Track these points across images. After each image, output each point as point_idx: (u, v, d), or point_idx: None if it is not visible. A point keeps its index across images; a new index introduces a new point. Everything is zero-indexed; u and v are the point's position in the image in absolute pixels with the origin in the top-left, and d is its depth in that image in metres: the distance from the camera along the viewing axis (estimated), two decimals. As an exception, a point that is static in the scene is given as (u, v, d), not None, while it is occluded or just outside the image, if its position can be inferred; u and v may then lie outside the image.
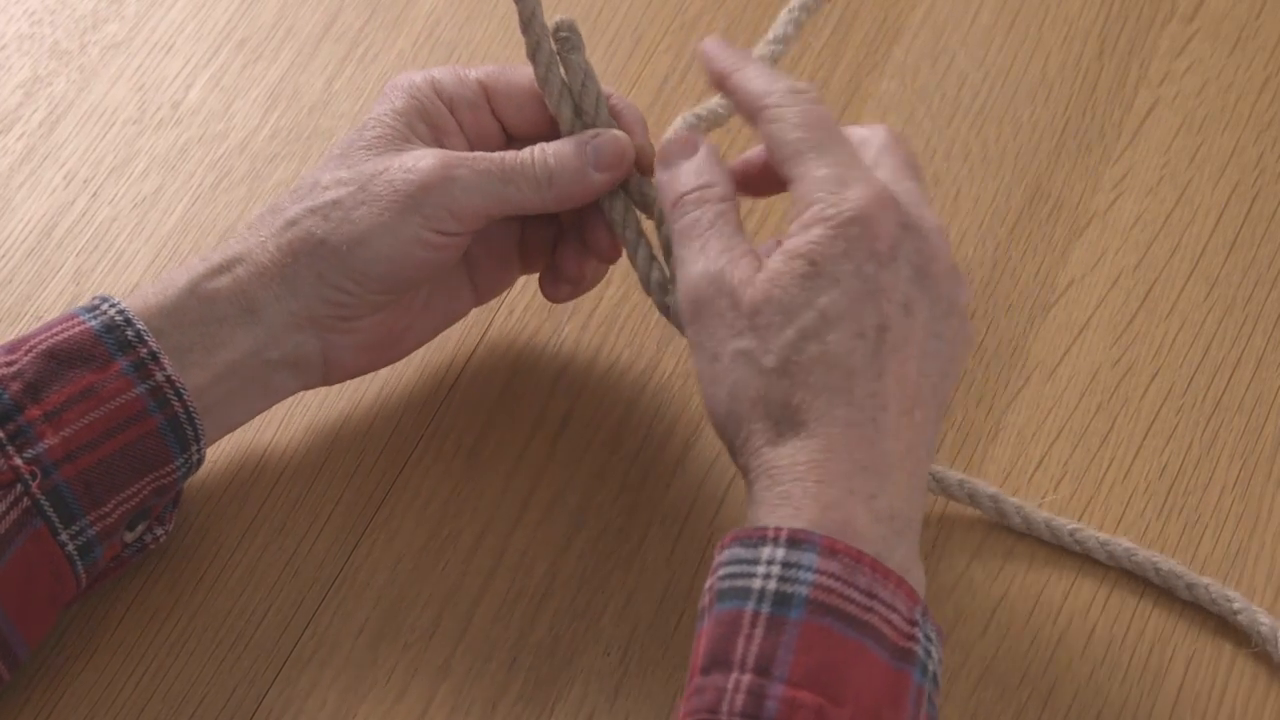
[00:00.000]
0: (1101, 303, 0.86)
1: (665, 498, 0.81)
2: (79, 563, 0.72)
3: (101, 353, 0.72)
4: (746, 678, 0.63)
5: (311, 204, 0.75)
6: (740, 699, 0.63)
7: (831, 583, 0.64)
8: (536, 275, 0.83)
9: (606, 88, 0.78)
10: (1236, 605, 0.77)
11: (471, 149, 0.78)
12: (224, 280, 0.74)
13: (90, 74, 0.93)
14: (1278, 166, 0.91)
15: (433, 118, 0.77)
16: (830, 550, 0.65)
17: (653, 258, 0.77)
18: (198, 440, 0.74)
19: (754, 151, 0.78)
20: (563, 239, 0.80)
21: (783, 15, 0.84)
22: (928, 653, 0.66)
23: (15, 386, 0.71)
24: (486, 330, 0.85)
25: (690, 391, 0.83)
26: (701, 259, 0.72)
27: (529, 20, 0.76)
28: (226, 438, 0.79)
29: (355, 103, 0.92)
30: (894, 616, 0.65)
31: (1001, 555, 0.80)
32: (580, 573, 0.79)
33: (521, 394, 0.83)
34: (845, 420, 0.68)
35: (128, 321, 0.72)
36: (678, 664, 0.76)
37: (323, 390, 0.82)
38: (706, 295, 0.71)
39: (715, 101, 0.81)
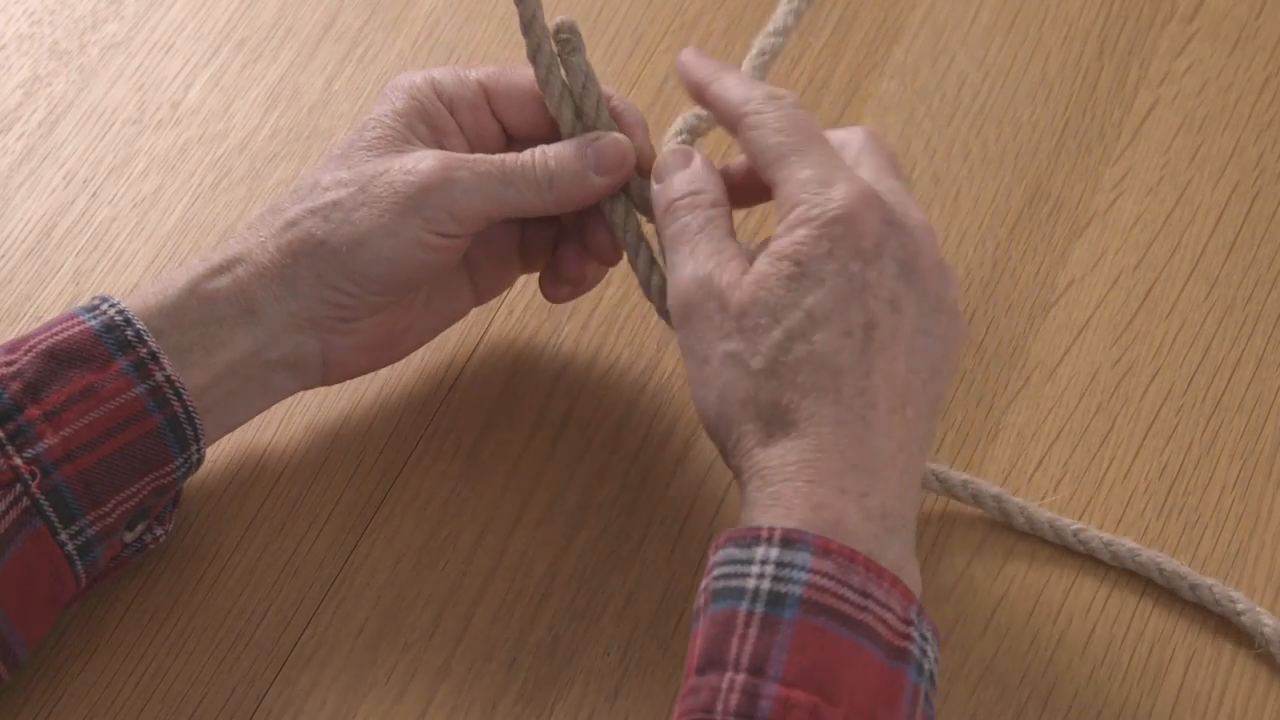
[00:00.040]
0: (1101, 303, 0.86)
1: (665, 498, 0.81)
2: (78, 562, 0.72)
3: (101, 352, 0.72)
4: (741, 677, 0.63)
5: (311, 205, 0.75)
6: (735, 698, 0.63)
7: (825, 582, 0.64)
8: (536, 275, 0.83)
9: (607, 89, 0.78)
10: (1240, 606, 0.77)
11: (472, 150, 0.78)
12: (224, 280, 0.74)
13: (90, 74, 0.93)
14: (1278, 166, 0.91)
15: (433, 119, 0.77)
16: (824, 550, 0.65)
17: (653, 262, 0.77)
18: (197, 440, 0.74)
19: (734, 162, 0.78)
20: (563, 240, 0.80)
21: (782, 6, 0.84)
22: (923, 652, 0.66)
23: (15, 386, 0.71)
24: (486, 330, 0.85)
25: (690, 392, 0.83)
26: (690, 263, 0.72)
27: (530, 22, 0.76)
28: (226, 437, 0.79)
29: (355, 103, 0.92)
30: (888, 616, 0.65)
31: (1002, 555, 0.80)
32: (580, 573, 0.79)
33: (521, 394, 0.83)
34: (834, 419, 0.68)
35: (127, 321, 0.72)
36: (677, 664, 0.76)
37: (323, 390, 0.82)
38: (695, 299, 0.71)
39: None
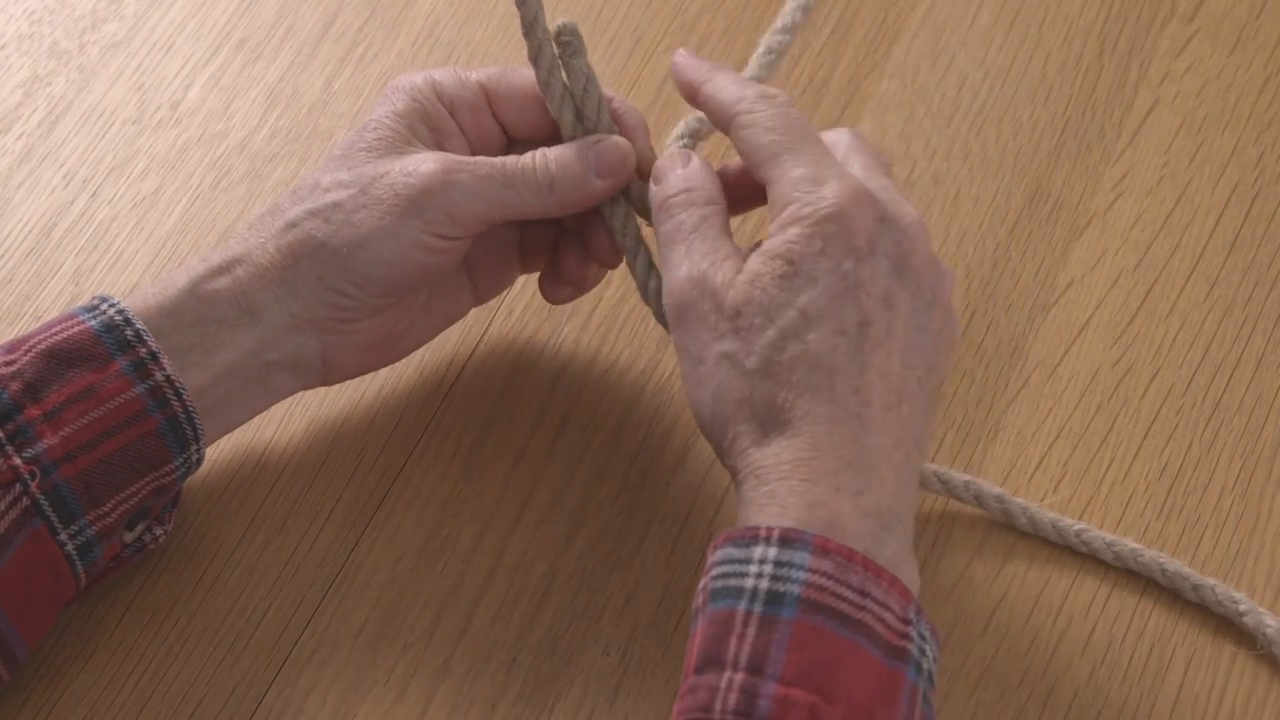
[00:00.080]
0: (1101, 303, 0.86)
1: (665, 498, 0.81)
2: (78, 562, 0.72)
3: (101, 352, 0.72)
4: (739, 676, 0.63)
5: (312, 206, 0.75)
6: (733, 697, 0.63)
7: (824, 581, 0.64)
8: (536, 275, 0.83)
9: (608, 91, 0.77)
10: (1242, 607, 0.77)
11: (472, 151, 0.78)
12: (223, 281, 0.74)
13: (89, 74, 0.93)
14: (1278, 166, 0.91)
15: (433, 120, 0.77)
16: (822, 549, 0.65)
17: (651, 266, 0.77)
18: (197, 440, 0.74)
19: (730, 165, 0.78)
20: (564, 241, 0.80)
21: (790, 3, 0.84)
22: (922, 651, 0.66)
23: (15, 386, 0.71)
24: (486, 330, 0.85)
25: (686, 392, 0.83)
26: (685, 263, 0.72)
27: (531, 25, 0.76)
28: (226, 436, 0.78)
29: (355, 103, 0.92)
30: (887, 615, 0.65)
31: (1002, 555, 0.80)
32: (580, 573, 0.79)
33: (521, 394, 0.83)
34: (829, 418, 0.68)
35: (127, 321, 0.72)
36: (677, 664, 0.76)
37: (323, 389, 0.82)
38: (690, 299, 0.71)
39: None
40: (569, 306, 0.85)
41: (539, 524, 0.80)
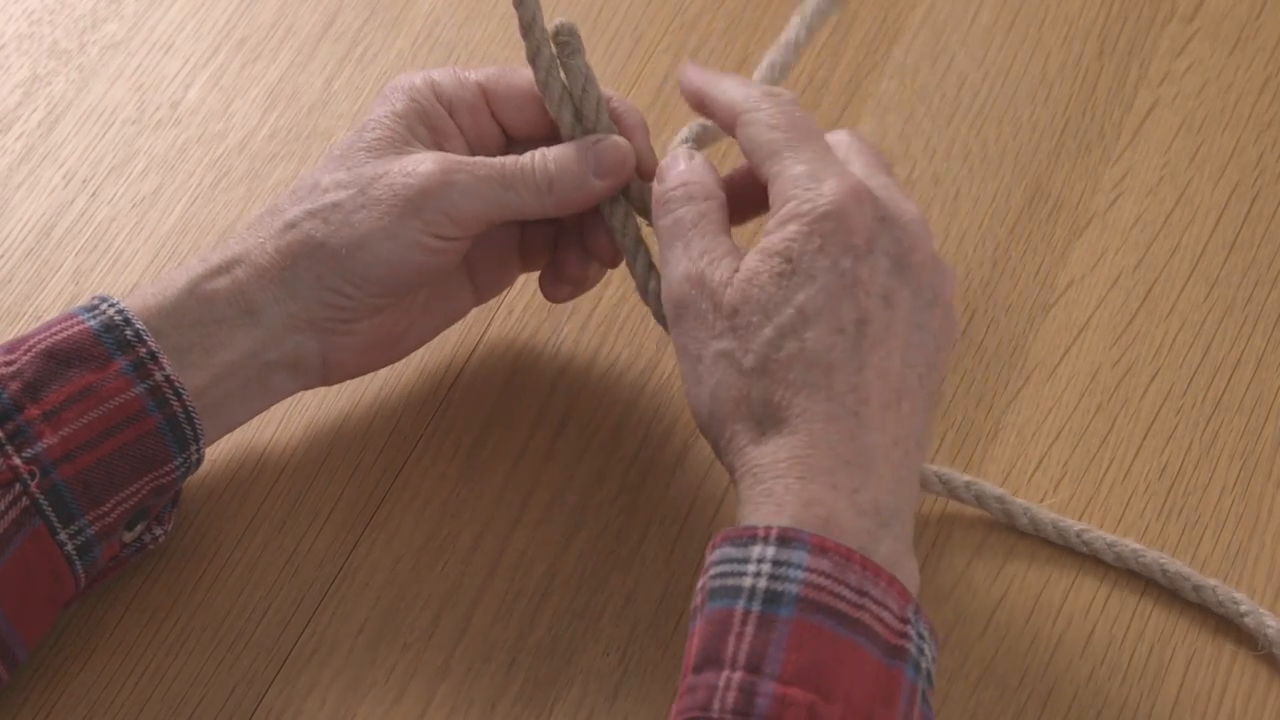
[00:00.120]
0: (1101, 303, 0.86)
1: (664, 498, 0.81)
2: (78, 562, 0.72)
3: (100, 352, 0.72)
4: (738, 675, 0.63)
5: (311, 206, 0.75)
6: (732, 696, 0.63)
7: (822, 580, 0.64)
8: (536, 274, 0.83)
9: (607, 91, 0.77)
10: (1244, 608, 0.77)
11: (471, 152, 0.78)
12: (223, 281, 0.74)
13: (89, 74, 0.93)
14: (1278, 166, 0.90)
15: (432, 120, 0.77)
16: (820, 548, 0.65)
17: (651, 265, 0.77)
18: (197, 440, 0.74)
19: (733, 170, 0.78)
20: (564, 240, 0.80)
21: (794, 20, 0.84)
22: (920, 650, 0.66)
23: (14, 386, 0.71)
24: (486, 330, 0.85)
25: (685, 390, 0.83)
26: (684, 260, 0.72)
27: (529, 25, 0.76)
28: (226, 436, 0.78)
29: (354, 103, 0.92)
30: (885, 614, 0.65)
31: (1002, 555, 0.80)
32: (579, 573, 0.79)
33: (520, 394, 0.83)
34: (826, 415, 0.68)
35: (127, 321, 0.72)
36: (677, 664, 0.76)
37: (322, 390, 0.82)
38: (688, 297, 0.71)
39: None
40: (568, 306, 0.85)
41: (538, 524, 0.80)
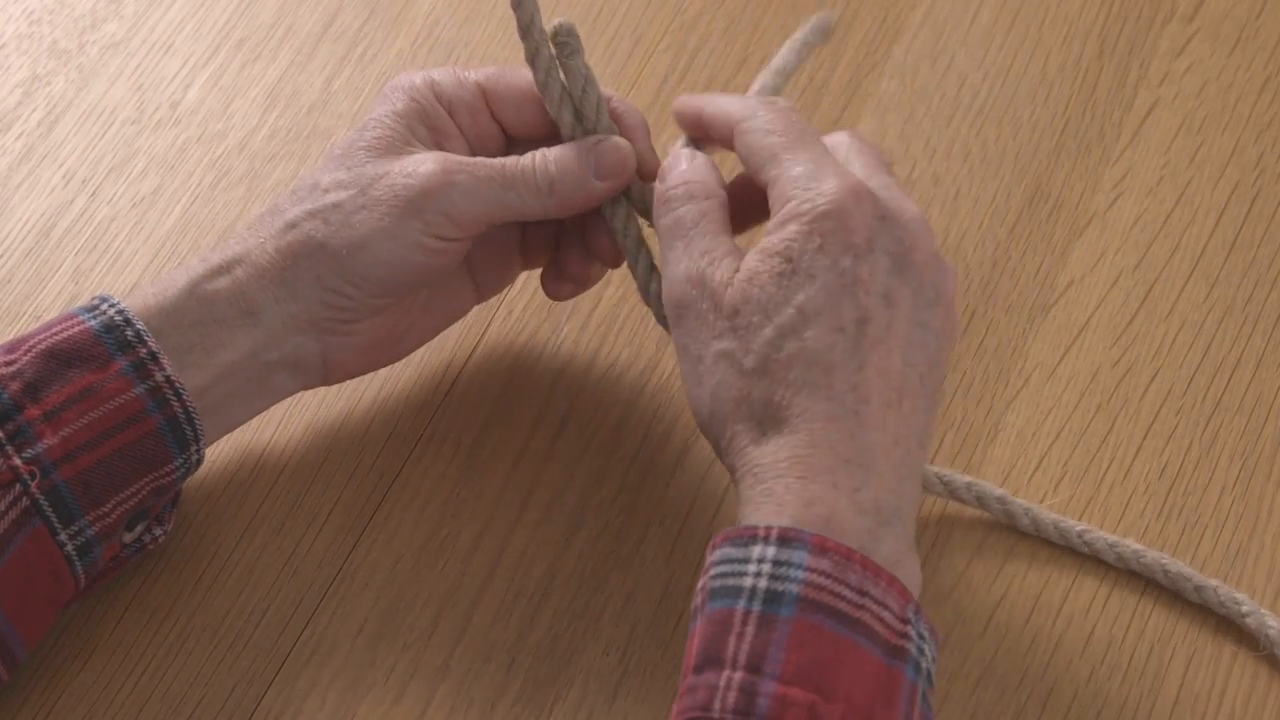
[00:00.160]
0: (1101, 303, 0.86)
1: (664, 498, 0.81)
2: (78, 563, 0.72)
3: (101, 353, 0.72)
4: (738, 675, 0.63)
5: (311, 207, 0.75)
6: (732, 696, 0.63)
7: (822, 580, 0.64)
8: (537, 274, 0.83)
9: (607, 90, 0.77)
10: (1245, 608, 0.77)
11: (472, 151, 0.78)
12: (223, 282, 0.74)
13: (89, 73, 0.93)
14: (1278, 167, 0.90)
15: (432, 120, 0.77)
16: (821, 548, 0.65)
17: (652, 267, 0.77)
18: (197, 441, 0.74)
19: (732, 179, 0.78)
20: (567, 239, 0.80)
21: (785, 46, 0.84)
22: (921, 651, 0.66)
23: (15, 386, 0.71)
24: (485, 331, 0.85)
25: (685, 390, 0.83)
26: (684, 260, 0.72)
27: (527, 26, 0.76)
28: (225, 437, 0.78)
29: (354, 102, 0.92)
30: (885, 614, 0.65)
31: (1001, 555, 0.80)
32: (579, 573, 0.79)
33: (520, 394, 0.83)
34: (826, 415, 0.68)
35: (127, 321, 0.72)
36: (677, 664, 0.76)
37: (322, 390, 0.82)
38: (689, 297, 0.71)
39: None
40: (568, 306, 0.85)
41: (538, 524, 0.80)
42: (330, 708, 0.75)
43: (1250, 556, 0.80)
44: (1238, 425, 0.83)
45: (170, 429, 0.72)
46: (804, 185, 0.70)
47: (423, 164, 0.75)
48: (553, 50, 0.76)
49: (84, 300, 0.75)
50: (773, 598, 0.64)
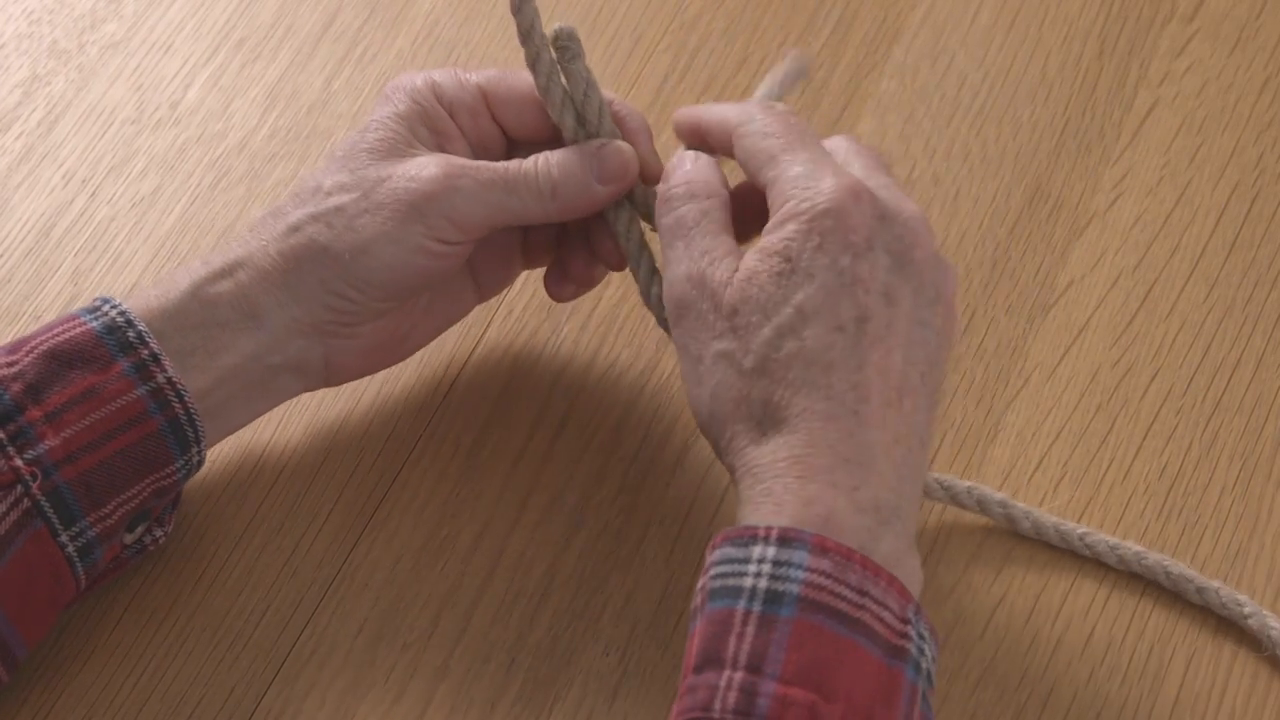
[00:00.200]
0: (1101, 303, 0.86)
1: (664, 498, 0.81)
2: (79, 564, 0.72)
3: (103, 354, 0.72)
4: (739, 675, 0.63)
5: (314, 210, 0.75)
6: (732, 696, 0.63)
7: (822, 580, 0.64)
8: (537, 275, 0.83)
9: (609, 93, 0.77)
10: (1247, 609, 0.77)
11: (473, 153, 0.78)
12: (226, 285, 0.74)
13: (89, 73, 0.93)
14: (1278, 167, 0.90)
15: (434, 122, 0.77)
16: (821, 548, 0.65)
17: (654, 271, 0.77)
18: (198, 442, 0.74)
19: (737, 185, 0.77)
20: (570, 240, 0.80)
21: (768, 77, 0.83)
22: (921, 651, 0.66)
23: (16, 387, 0.71)
24: (485, 331, 0.85)
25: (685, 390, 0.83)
26: (685, 260, 0.72)
27: (528, 32, 0.75)
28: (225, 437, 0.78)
29: (354, 102, 0.92)
30: (886, 614, 0.65)
31: (1001, 556, 0.80)
32: (579, 573, 0.79)
33: (520, 394, 0.83)
34: (825, 414, 0.68)
35: (129, 323, 0.72)
36: (677, 664, 0.76)
37: (321, 390, 0.82)
38: (689, 298, 0.71)
39: None
40: (568, 306, 0.85)
41: (538, 524, 0.80)
42: (330, 708, 0.75)
43: (1250, 556, 0.80)
44: (1238, 425, 0.83)
45: (172, 430, 0.72)
46: (803, 184, 0.70)
47: (425, 168, 0.75)
48: (554, 55, 0.76)
49: (85, 301, 0.75)
50: (773, 598, 0.64)
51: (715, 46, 0.94)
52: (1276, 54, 0.94)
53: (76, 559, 0.72)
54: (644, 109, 0.87)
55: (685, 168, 0.75)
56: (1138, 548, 0.79)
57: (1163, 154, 0.91)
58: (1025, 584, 0.79)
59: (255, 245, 0.75)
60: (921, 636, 0.66)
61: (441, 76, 0.78)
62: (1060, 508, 0.81)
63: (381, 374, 0.83)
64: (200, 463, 0.75)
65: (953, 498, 0.80)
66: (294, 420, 0.82)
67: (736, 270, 0.71)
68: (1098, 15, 0.95)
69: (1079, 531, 0.79)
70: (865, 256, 0.69)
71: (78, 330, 0.72)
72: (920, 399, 0.70)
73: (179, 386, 0.72)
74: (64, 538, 0.71)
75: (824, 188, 0.70)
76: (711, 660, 0.64)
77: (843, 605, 0.64)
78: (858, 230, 0.69)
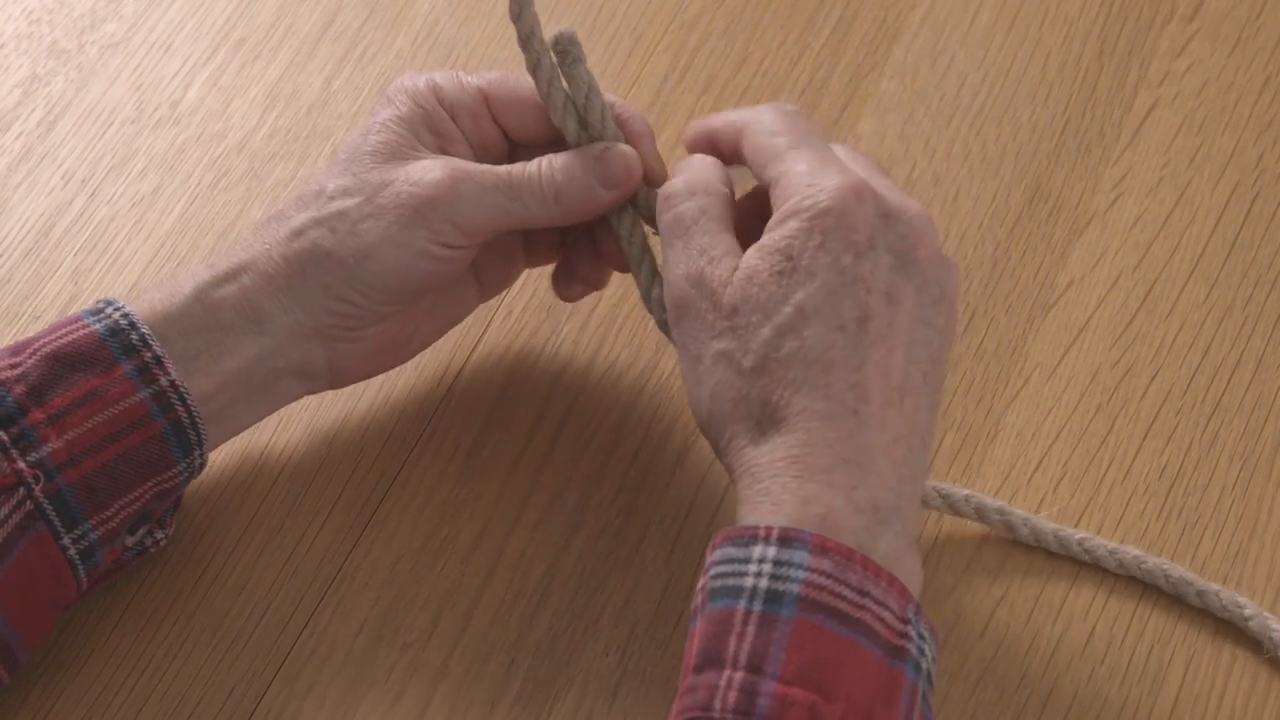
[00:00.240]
0: (1101, 303, 0.86)
1: (664, 498, 0.81)
2: (80, 567, 0.72)
3: (106, 356, 0.72)
4: (739, 675, 0.63)
5: (317, 214, 0.75)
6: (733, 696, 0.63)
7: (823, 580, 0.64)
8: (537, 275, 0.82)
9: (611, 96, 0.77)
10: (1248, 612, 0.77)
11: (475, 155, 0.78)
12: (230, 289, 0.74)
13: (88, 73, 0.93)
14: (1278, 167, 0.90)
15: (436, 124, 0.77)
16: (821, 548, 0.65)
17: (655, 274, 0.77)
18: (200, 445, 0.74)
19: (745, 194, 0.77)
20: (577, 241, 0.80)
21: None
22: (921, 651, 0.66)
23: (19, 389, 0.71)
24: (485, 331, 0.85)
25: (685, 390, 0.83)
26: (684, 260, 0.72)
27: (528, 37, 0.75)
28: (225, 437, 0.79)
29: (354, 102, 0.92)
30: (886, 614, 0.65)
31: (1001, 556, 0.80)
32: (579, 573, 0.79)
33: (520, 395, 0.83)
34: (824, 414, 0.68)
35: (132, 325, 0.72)
36: (677, 664, 0.76)
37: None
38: (688, 297, 0.71)
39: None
40: (568, 306, 0.85)
41: (538, 525, 0.80)
42: (330, 708, 0.75)
43: (1250, 557, 0.80)
44: (1238, 426, 0.83)
45: (174, 434, 0.72)
46: (806, 182, 0.70)
47: (429, 172, 0.75)
48: (554, 59, 0.76)
49: (85, 301, 0.75)
50: (773, 598, 0.64)
51: (715, 46, 0.94)
52: (1276, 54, 0.94)
53: (78, 562, 0.72)
54: (644, 109, 0.87)
55: (685, 166, 0.75)
56: (1137, 552, 0.79)
57: (1163, 154, 0.91)
58: (1025, 584, 0.79)
59: (259, 249, 0.75)
60: (922, 636, 0.66)
61: (443, 79, 0.78)
62: (1060, 508, 0.81)
63: (381, 374, 0.83)
64: (202, 466, 0.75)
65: (950, 506, 0.79)
66: (294, 421, 0.82)
67: (736, 269, 0.70)
68: (1098, 15, 0.95)
69: (1078, 537, 0.79)
70: (867, 255, 0.69)
71: (81, 333, 0.72)
72: (922, 398, 0.70)
73: (182, 390, 0.72)
74: (66, 540, 0.71)
75: (827, 185, 0.70)
76: (712, 660, 0.64)
77: (843, 605, 0.64)
78: (860, 229, 0.69)
